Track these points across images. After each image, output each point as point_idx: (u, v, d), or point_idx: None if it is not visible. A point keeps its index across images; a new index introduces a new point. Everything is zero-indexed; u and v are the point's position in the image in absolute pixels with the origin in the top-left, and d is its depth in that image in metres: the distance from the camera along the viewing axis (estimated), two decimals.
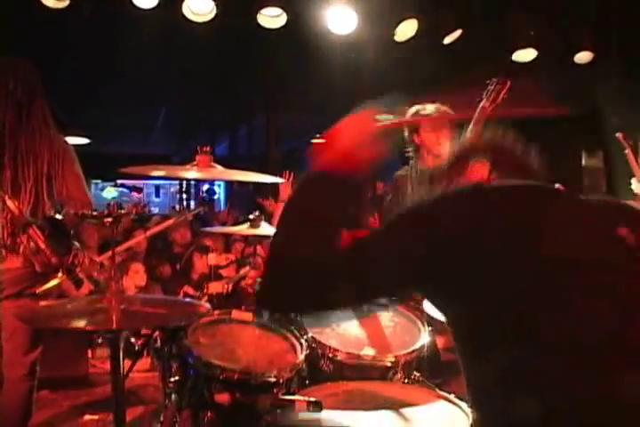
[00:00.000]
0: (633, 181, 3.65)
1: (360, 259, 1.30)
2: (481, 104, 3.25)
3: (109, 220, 1.84)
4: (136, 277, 5.05)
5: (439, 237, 1.28)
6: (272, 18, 5.57)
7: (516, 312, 1.21)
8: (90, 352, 4.92)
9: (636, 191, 3.62)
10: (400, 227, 1.36)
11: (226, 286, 3.09)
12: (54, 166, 2.76)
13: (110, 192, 22.21)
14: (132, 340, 2.58)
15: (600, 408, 1.15)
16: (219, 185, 21.62)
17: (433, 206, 1.36)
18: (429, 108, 3.53)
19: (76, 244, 2.69)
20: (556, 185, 1.51)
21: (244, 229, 2.68)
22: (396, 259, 1.30)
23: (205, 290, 2.83)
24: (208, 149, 2.40)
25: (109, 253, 2.56)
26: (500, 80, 3.30)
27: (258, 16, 5.52)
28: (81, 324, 1.83)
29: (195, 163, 2.45)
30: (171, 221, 2.89)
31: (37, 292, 2.35)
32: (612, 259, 1.27)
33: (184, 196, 22.68)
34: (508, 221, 1.29)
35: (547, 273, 1.22)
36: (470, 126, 3.17)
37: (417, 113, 3.55)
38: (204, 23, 5.42)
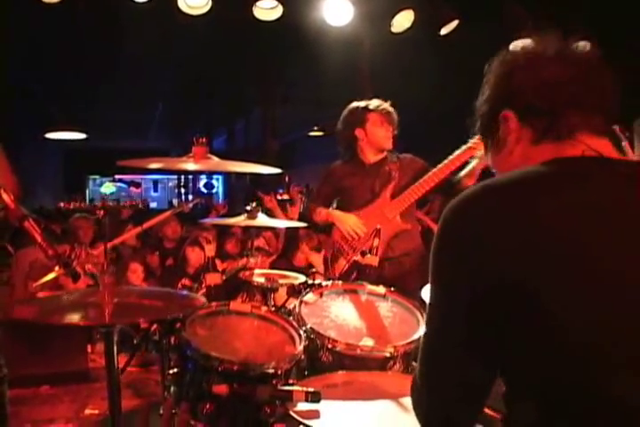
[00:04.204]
0: None
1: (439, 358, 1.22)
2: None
3: (102, 212, 1.83)
4: (134, 276, 5.07)
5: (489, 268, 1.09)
6: (268, 10, 5.55)
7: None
8: (90, 347, 4.93)
9: None
10: (442, 292, 1.20)
11: (223, 277, 3.08)
12: None
13: (109, 188, 22.28)
14: (131, 334, 2.58)
15: None
16: (217, 179, 21.64)
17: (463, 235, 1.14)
18: (375, 102, 3.74)
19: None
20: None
21: (241, 220, 2.67)
22: (464, 319, 1.15)
23: (203, 282, 2.82)
24: (204, 140, 2.39)
25: (108, 246, 2.56)
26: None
27: (253, 8, 5.51)
28: (74, 319, 1.83)
29: (191, 155, 2.44)
30: (167, 213, 2.88)
31: (34, 285, 2.34)
32: None
33: (182, 190, 22.71)
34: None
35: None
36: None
37: (366, 106, 3.74)
38: (200, 16, 5.40)
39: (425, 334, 1.26)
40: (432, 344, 1.25)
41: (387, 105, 3.74)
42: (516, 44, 1.33)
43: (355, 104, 3.79)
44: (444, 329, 1.20)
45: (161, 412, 2.34)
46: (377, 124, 3.69)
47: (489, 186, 1.17)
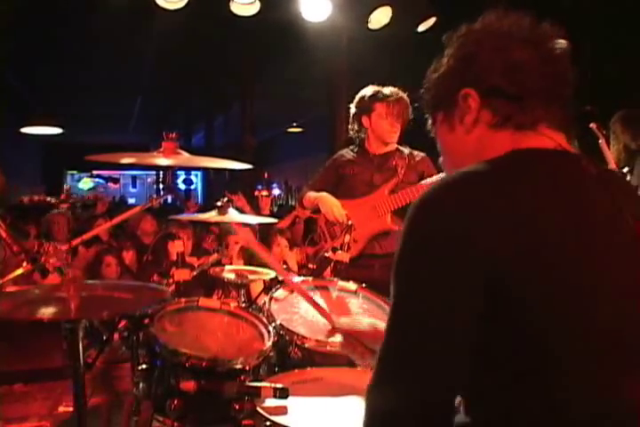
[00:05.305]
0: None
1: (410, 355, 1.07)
2: None
3: (66, 205, 1.82)
4: (108, 269, 5.03)
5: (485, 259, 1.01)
6: (245, 5, 5.54)
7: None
8: (65, 344, 4.87)
9: None
10: (421, 282, 1.07)
11: (193, 273, 3.06)
12: None
13: (87, 183, 22.12)
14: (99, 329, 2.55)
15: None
16: (196, 175, 21.55)
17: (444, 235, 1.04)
18: (387, 91, 3.54)
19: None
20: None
21: (212, 216, 2.66)
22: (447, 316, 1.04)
23: (172, 278, 2.81)
24: (174, 135, 2.37)
25: (75, 241, 2.54)
26: None
27: (231, 3, 5.49)
28: (39, 314, 1.81)
29: (161, 150, 2.42)
30: (137, 209, 2.86)
31: (0, 282, 2.31)
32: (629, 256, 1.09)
33: (161, 186, 22.57)
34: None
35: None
36: None
37: (374, 95, 3.55)
38: (177, 11, 5.37)
39: (393, 333, 1.11)
40: (405, 343, 1.09)
41: (397, 97, 3.48)
42: (481, 22, 1.26)
43: (365, 90, 3.58)
44: (423, 329, 1.07)
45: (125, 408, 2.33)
46: (382, 115, 3.48)
47: (456, 181, 1.08)
